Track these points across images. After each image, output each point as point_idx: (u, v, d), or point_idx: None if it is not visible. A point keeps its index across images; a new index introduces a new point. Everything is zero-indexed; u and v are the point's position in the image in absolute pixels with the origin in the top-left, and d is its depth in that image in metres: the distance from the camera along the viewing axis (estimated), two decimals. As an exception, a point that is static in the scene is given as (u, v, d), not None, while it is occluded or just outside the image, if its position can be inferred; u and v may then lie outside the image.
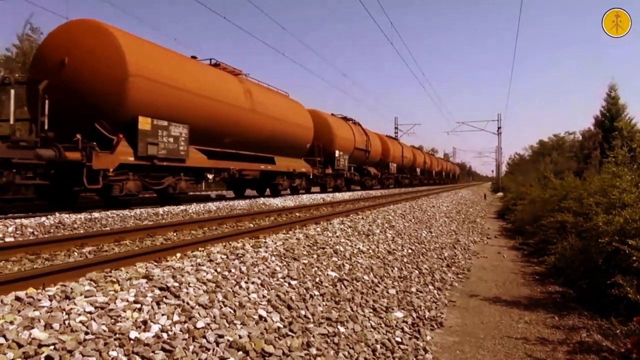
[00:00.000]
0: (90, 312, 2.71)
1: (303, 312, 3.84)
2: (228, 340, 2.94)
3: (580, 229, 7.34)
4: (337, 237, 6.67)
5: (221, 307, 3.33)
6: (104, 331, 2.57)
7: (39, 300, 2.79)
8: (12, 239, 6.20)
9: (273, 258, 4.76)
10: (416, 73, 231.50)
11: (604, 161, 9.79)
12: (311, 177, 19.88)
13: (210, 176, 12.79)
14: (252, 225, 8.60)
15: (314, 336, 3.53)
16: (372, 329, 4.20)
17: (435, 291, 6.22)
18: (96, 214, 8.60)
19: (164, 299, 3.12)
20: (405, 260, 7.02)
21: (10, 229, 6.67)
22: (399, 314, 4.80)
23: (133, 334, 2.62)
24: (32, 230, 6.85)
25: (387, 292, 5.33)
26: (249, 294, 3.72)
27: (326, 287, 4.58)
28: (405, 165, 38.53)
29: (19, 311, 2.61)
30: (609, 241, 5.63)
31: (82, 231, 7.30)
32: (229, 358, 2.78)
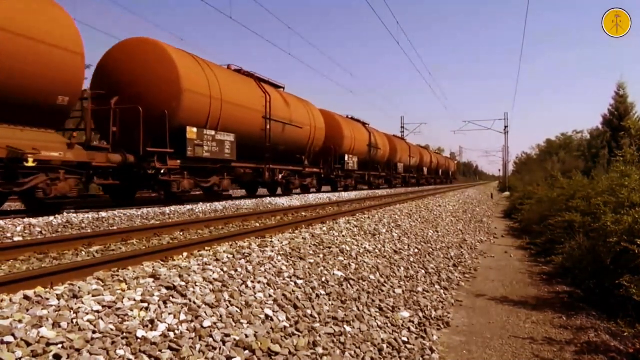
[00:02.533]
0: (97, 311, 2.73)
1: (309, 312, 3.84)
2: (234, 340, 2.94)
3: (588, 228, 7.29)
4: (344, 236, 6.66)
5: (228, 307, 3.33)
6: (112, 330, 2.58)
7: (47, 299, 2.81)
8: (20, 239, 6.25)
9: (279, 257, 4.77)
10: (422, 72, 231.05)
11: (612, 160, 9.72)
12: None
13: None
14: (258, 224, 8.62)
15: (320, 335, 3.53)
16: (378, 329, 4.19)
17: (442, 291, 6.20)
18: (103, 214, 8.65)
19: (171, 298, 3.14)
20: (411, 259, 7.00)
21: (18, 229, 6.72)
22: (406, 314, 4.79)
23: (140, 333, 2.63)
24: (40, 230, 6.90)
25: (394, 292, 5.32)
26: (255, 294, 3.72)
27: (332, 286, 4.58)
28: (314, 148, 19.85)
29: (27, 310, 2.62)
30: (618, 241, 5.59)
31: (89, 230, 7.35)
32: (236, 357, 2.78)
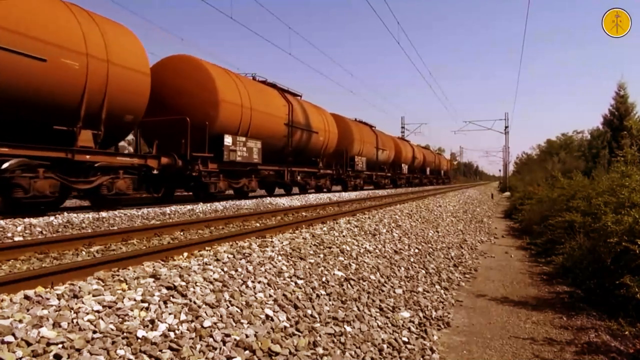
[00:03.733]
0: (98, 311, 2.73)
1: (309, 312, 3.84)
2: (235, 340, 2.94)
3: (589, 228, 7.28)
4: (344, 236, 6.66)
5: (228, 307, 3.33)
6: (112, 330, 2.59)
7: (48, 299, 2.81)
8: (21, 238, 6.25)
9: (279, 257, 4.77)
10: (423, 72, 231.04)
11: (613, 160, 9.71)
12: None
13: None
14: (258, 224, 8.62)
15: (320, 335, 3.53)
16: (378, 329, 4.19)
17: (442, 291, 6.20)
18: (104, 214, 8.66)
19: (171, 298, 3.14)
20: (412, 259, 7.00)
21: (19, 228, 6.73)
22: (406, 314, 4.79)
23: (140, 333, 2.63)
24: (40, 230, 6.90)
25: (394, 292, 5.32)
26: (255, 294, 3.72)
27: (333, 286, 4.58)
28: (109, 110, 9.24)
29: (27, 310, 2.63)
30: (618, 241, 5.59)
31: (89, 230, 7.35)
32: (236, 357, 2.78)
